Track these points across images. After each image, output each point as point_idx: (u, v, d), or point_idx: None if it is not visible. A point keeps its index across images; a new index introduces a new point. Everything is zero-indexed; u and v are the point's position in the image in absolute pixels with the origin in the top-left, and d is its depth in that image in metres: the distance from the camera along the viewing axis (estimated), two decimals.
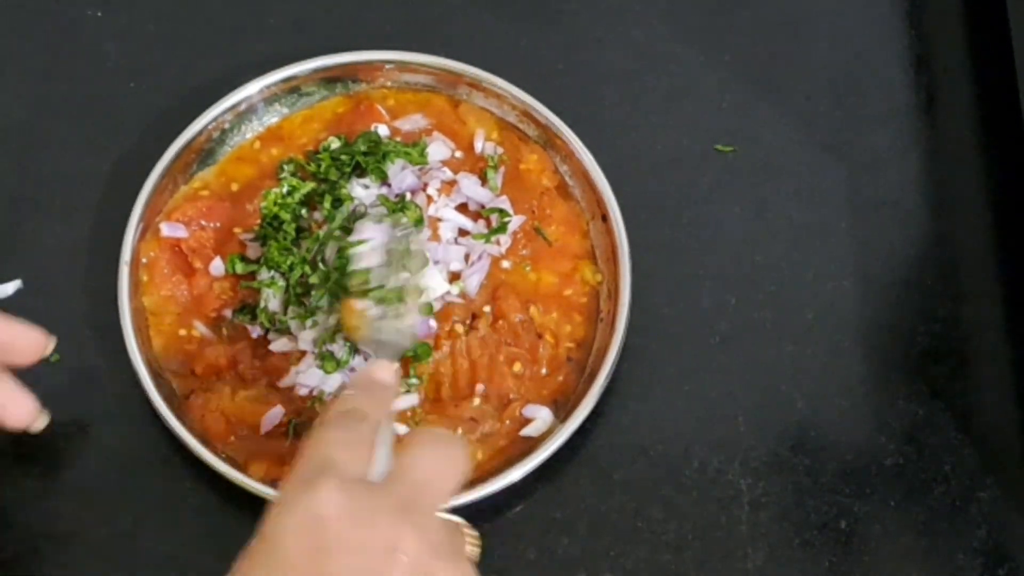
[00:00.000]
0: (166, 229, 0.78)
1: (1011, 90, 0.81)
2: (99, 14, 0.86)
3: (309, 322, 0.74)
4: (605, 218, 0.78)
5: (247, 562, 0.56)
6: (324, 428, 0.60)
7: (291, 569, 0.54)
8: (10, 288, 0.78)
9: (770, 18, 0.87)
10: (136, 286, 0.77)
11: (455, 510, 0.71)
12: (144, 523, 0.74)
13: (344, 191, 0.77)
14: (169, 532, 0.74)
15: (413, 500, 0.56)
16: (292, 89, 0.82)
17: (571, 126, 0.80)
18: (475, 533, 0.60)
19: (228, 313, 0.77)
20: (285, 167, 0.80)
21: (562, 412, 0.75)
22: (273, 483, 0.72)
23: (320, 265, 0.74)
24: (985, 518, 0.76)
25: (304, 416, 0.74)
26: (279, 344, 0.76)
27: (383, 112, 0.81)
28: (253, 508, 0.72)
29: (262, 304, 0.76)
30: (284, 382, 0.75)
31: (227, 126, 0.81)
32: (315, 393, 0.75)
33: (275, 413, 0.74)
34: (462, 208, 0.79)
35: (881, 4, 0.88)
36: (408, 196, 0.78)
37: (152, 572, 0.73)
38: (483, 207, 0.79)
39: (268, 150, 0.81)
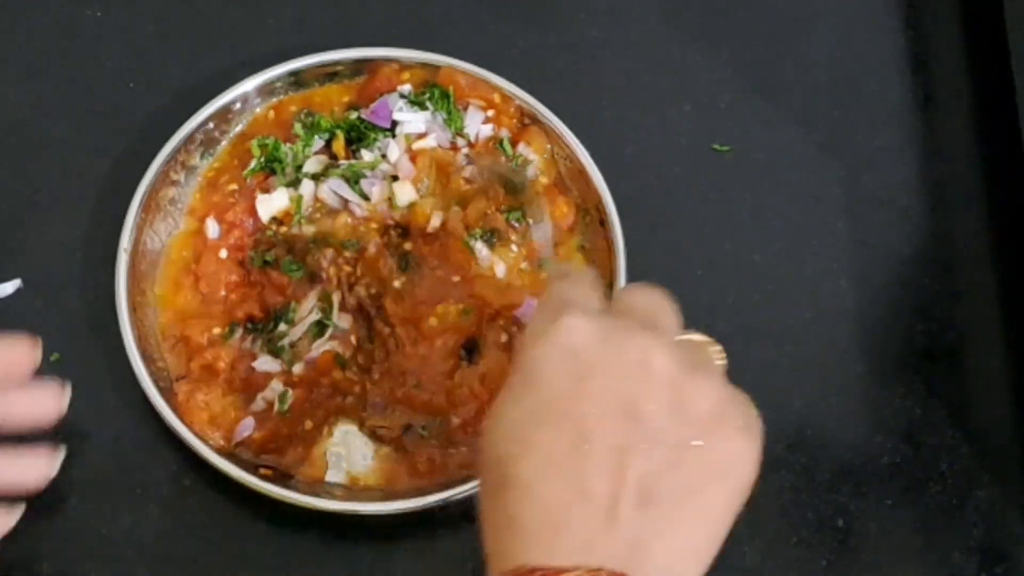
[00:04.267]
0: (212, 229, 0.78)
1: (1008, 90, 0.81)
2: (98, 14, 0.86)
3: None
4: (603, 222, 0.78)
5: (509, 398, 0.56)
6: (553, 285, 0.62)
7: (555, 397, 0.55)
8: (9, 288, 0.79)
9: (768, 18, 0.88)
10: (134, 275, 0.77)
11: (451, 504, 0.72)
12: (144, 522, 0.74)
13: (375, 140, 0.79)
14: (169, 530, 0.74)
15: (652, 324, 0.58)
16: (289, 85, 0.82)
17: (569, 126, 0.80)
18: (719, 347, 0.60)
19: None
20: (301, 118, 0.80)
21: None
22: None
23: None
24: (981, 516, 0.76)
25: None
26: (264, 363, 0.76)
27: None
28: (253, 505, 0.73)
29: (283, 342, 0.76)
30: (254, 405, 0.75)
31: (230, 115, 0.81)
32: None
33: (246, 425, 0.74)
34: None
35: (878, 4, 0.88)
36: None
37: (152, 571, 0.74)
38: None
39: (287, 108, 0.81)
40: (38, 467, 0.70)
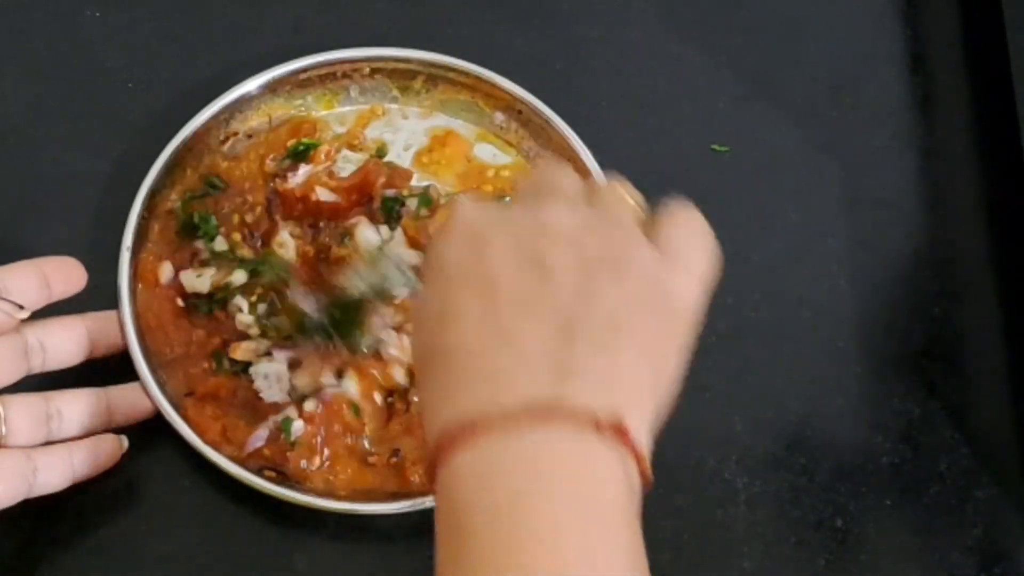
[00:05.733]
0: (166, 273, 0.77)
1: (1007, 89, 0.81)
2: (97, 14, 0.86)
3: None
4: None
5: (427, 295, 0.59)
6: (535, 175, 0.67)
7: (462, 268, 0.58)
8: None
9: (767, 18, 0.88)
10: (136, 276, 0.76)
11: None
12: (143, 522, 0.74)
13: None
14: (169, 530, 0.74)
15: (547, 192, 0.61)
16: (290, 86, 0.82)
17: (569, 125, 0.80)
18: (627, 184, 0.64)
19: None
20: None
21: None
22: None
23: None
24: (980, 517, 0.76)
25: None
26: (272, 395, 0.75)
27: None
28: (253, 505, 0.73)
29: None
30: (264, 426, 0.74)
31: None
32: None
33: (259, 435, 0.73)
34: None
35: (877, 3, 0.88)
36: None
37: (152, 572, 0.74)
38: None
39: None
40: (107, 449, 0.72)
